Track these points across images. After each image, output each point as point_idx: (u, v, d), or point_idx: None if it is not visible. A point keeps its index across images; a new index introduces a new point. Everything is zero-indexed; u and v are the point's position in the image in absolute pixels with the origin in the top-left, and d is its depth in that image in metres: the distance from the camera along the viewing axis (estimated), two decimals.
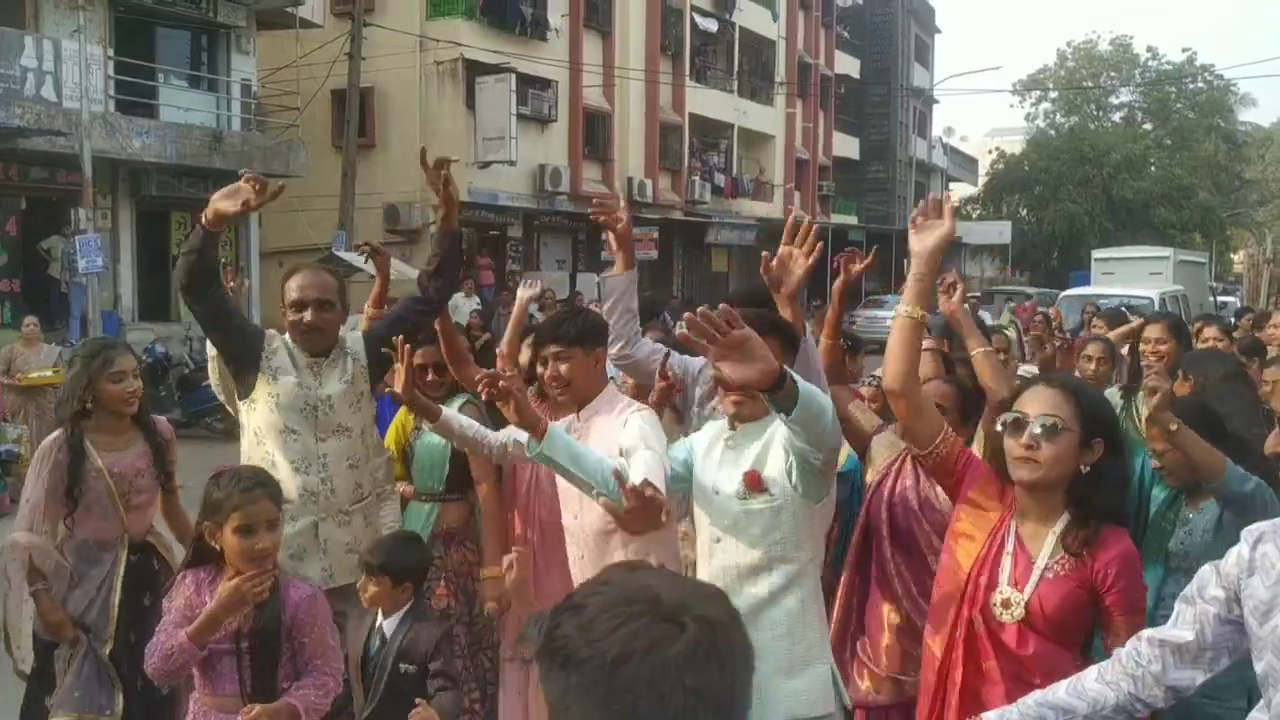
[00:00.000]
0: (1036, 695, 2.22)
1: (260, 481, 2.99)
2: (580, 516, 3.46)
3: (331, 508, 3.68)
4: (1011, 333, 8.37)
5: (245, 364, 3.69)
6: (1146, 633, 2.15)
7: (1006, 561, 2.57)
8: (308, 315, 3.66)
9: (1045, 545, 2.53)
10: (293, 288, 3.70)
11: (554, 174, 25.53)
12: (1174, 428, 3.06)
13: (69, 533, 3.84)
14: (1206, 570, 2.09)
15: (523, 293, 4.81)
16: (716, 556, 2.91)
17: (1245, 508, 3.08)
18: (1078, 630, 2.55)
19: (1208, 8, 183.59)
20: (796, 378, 2.39)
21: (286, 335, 3.78)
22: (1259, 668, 2.00)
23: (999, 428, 2.60)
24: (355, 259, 19.10)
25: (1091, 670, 2.20)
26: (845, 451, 3.94)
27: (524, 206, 25.65)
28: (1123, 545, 2.50)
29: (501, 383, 3.00)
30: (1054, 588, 2.50)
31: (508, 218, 25.68)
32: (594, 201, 3.70)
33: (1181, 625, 2.11)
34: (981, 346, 3.87)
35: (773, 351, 2.72)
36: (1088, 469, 2.50)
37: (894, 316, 2.82)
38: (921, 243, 2.72)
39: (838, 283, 3.58)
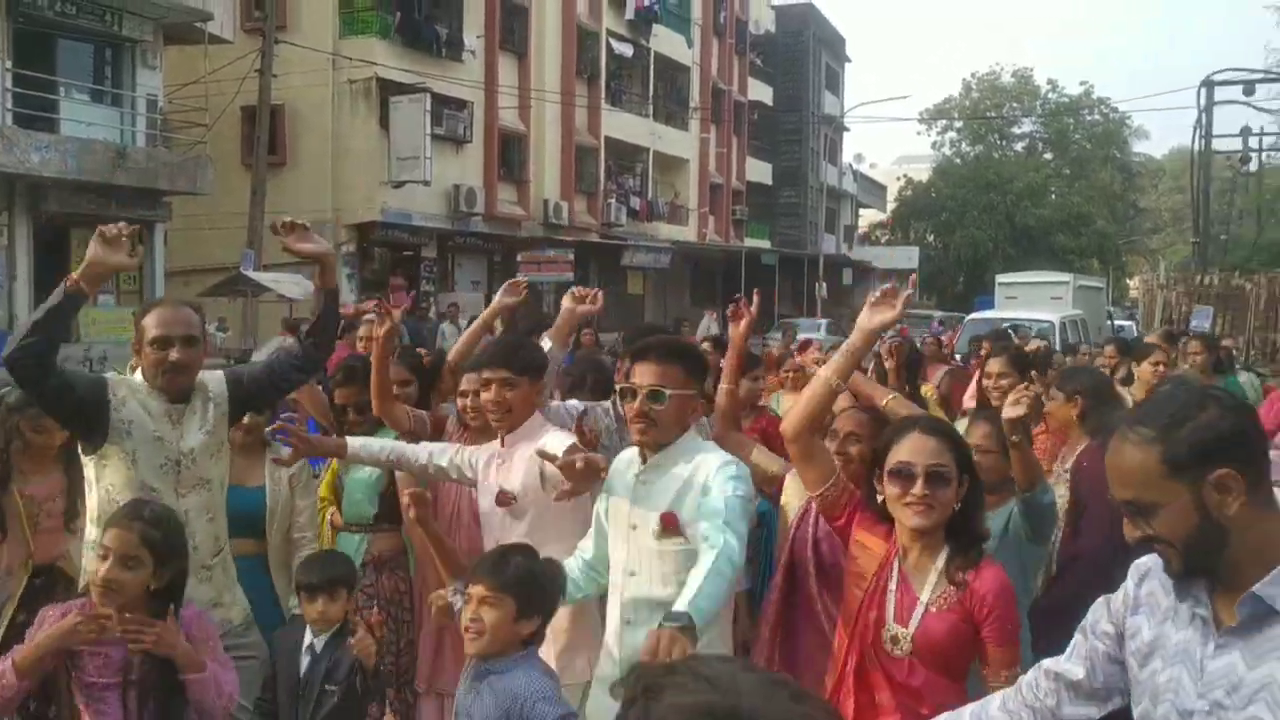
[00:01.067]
0: (943, 716, 2.22)
1: (132, 515, 2.89)
2: (502, 541, 3.41)
3: (194, 564, 3.35)
4: None
5: (92, 424, 3.36)
6: (1046, 663, 2.13)
7: (891, 599, 2.68)
8: (174, 353, 3.35)
9: (929, 581, 2.65)
10: (153, 324, 3.36)
11: (469, 194, 25.43)
12: (1016, 439, 3.25)
13: None
14: (1100, 604, 2.05)
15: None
16: (629, 589, 2.98)
17: (1043, 517, 3.35)
18: (962, 661, 2.66)
19: (1103, 43, 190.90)
20: (694, 615, 2.41)
21: (135, 377, 3.50)
22: (1136, 712, 1.95)
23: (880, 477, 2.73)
24: (265, 278, 18.78)
25: (996, 697, 2.19)
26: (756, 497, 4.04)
27: (438, 227, 25.49)
28: (1000, 579, 2.62)
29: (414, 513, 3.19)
30: (938, 622, 2.61)
31: (422, 238, 25.48)
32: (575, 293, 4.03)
33: (1074, 660, 2.07)
34: (888, 396, 4.04)
35: (675, 379, 2.89)
36: (959, 504, 2.66)
37: (816, 377, 2.91)
38: (869, 320, 2.79)
39: (740, 330, 3.71)
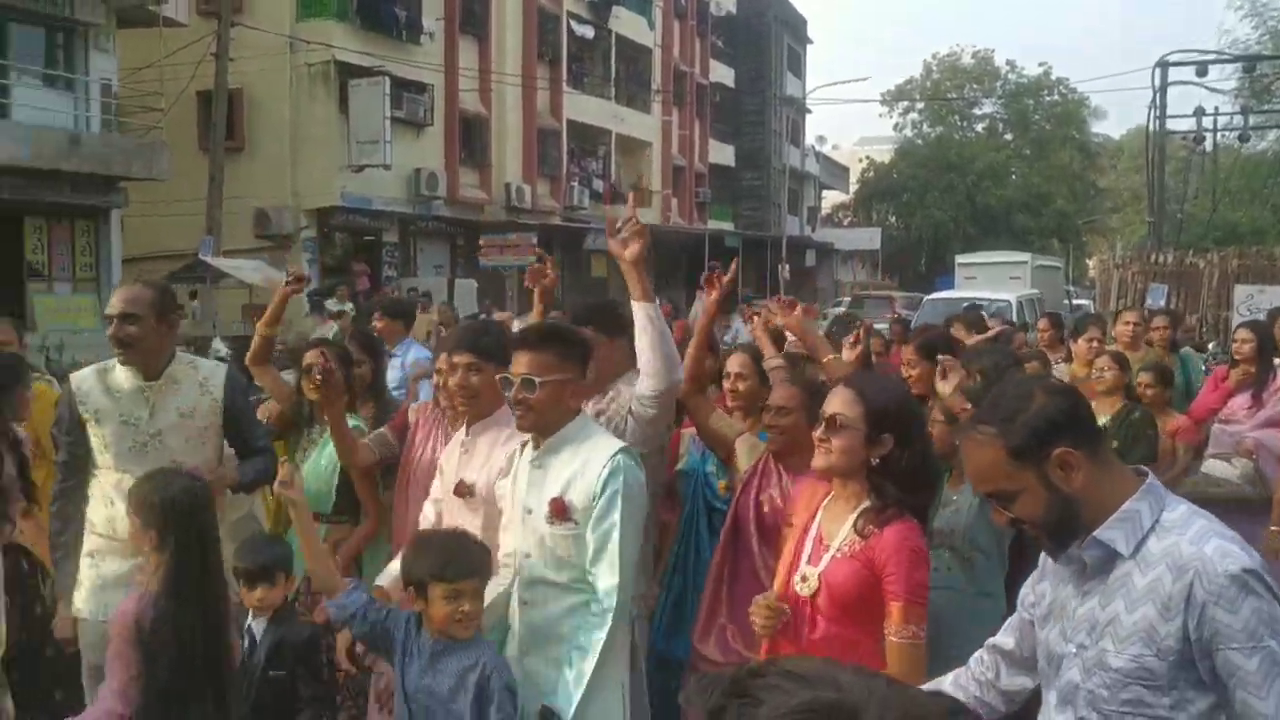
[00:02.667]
0: (928, 685, 2.29)
1: (143, 480, 3.11)
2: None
3: None
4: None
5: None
6: (990, 639, 2.25)
7: (808, 546, 2.82)
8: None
9: (842, 529, 2.77)
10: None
11: (430, 178, 25.30)
12: (957, 410, 3.46)
13: None
14: (1031, 577, 2.17)
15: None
16: (525, 571, 3.06)
17: None
18: (867, 608, 2.70)
19: (1061, 25, 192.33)
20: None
21: (107, 363, 3.72)
22: (1039, 670, 2.08)
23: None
24: (224, 265, 18.63)
25: (950, 674, 2.30)
26: (685, 448, 4.17)
27: (400, 211, 25.36)
28: (902, 534, 2.68)
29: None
30: (840, 565, 2.72)
31: (383, 223, 25.35)
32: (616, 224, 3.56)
33: (1007, 632, 2.19)
34: (829, 355, 4.11)
35: (548, 365, 2.98)
36: (877, 461, 2.73)
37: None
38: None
39: (711, 298, 3.88)
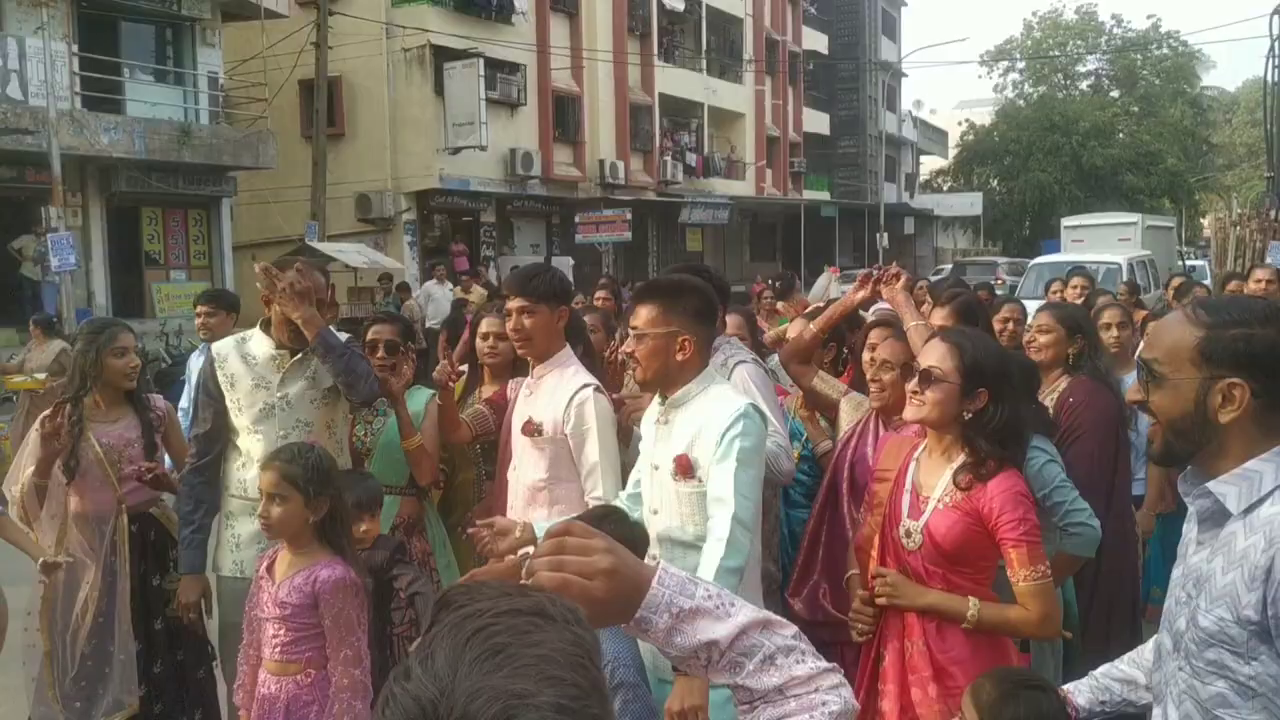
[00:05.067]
0: (1104, 668, 2.27)
1: (274, 456, 3.19)
2: (520, 468, 3.58)
3: None
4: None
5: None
6: None
7: (905, 499, 2.84)
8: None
9: (941, 481, 2.77)
10: None
11: (525, 158, 25.54)
12: None
13: (75, 503, 4.00)
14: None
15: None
16: (654, 526, 3.06)
17: None
18: (975, 559, 2.74)
19: None
20: None
21: (246, 333, 3.88)
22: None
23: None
24: (329, 249, 19.11)
25: (1152, 640, 2.21)
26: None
27: (496, 191, 25.67)
28: (1007, 482, 2.69)
29: None
30: (943, 517, 2.72)
31: (480, 203, 25.69)
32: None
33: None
34: (915, 321, 4.10)
35: (650, 319, 2.96)
36: (970, 415, 2.73)
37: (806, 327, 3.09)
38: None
39: (858, 296, 4.07)
